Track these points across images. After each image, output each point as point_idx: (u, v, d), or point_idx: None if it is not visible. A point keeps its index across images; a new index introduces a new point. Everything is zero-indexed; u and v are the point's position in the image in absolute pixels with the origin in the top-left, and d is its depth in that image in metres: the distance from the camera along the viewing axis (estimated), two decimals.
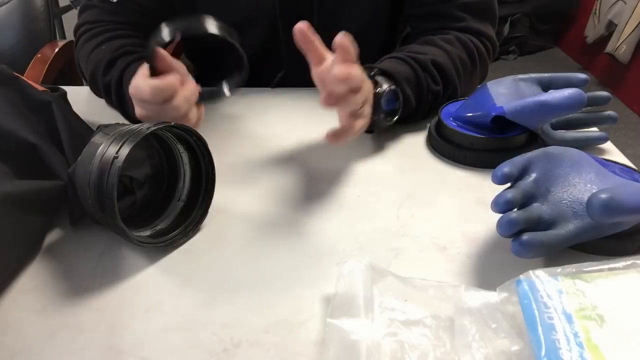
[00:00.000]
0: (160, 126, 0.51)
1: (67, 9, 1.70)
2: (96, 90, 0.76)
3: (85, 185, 0.50)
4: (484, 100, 0.66)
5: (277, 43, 0.82)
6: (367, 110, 0.62)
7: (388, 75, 0.67)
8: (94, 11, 0.79)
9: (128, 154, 0.48)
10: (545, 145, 0.58)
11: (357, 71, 0.55)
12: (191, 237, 0.55)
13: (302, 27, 0.54)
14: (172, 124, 0.52)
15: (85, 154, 0.51)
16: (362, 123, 0.61)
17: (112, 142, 0.50)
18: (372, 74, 0.65)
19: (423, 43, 0.76)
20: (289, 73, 0.85)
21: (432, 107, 0.72)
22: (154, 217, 0.57)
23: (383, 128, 0.69)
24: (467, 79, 0.76)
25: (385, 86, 0.65)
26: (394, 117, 0.68)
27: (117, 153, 0.48)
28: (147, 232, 0.55)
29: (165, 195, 0.58)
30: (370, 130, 0.66)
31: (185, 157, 0.57)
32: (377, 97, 0.64)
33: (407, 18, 0.86)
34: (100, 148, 0.50)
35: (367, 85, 0.61)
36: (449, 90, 0.73)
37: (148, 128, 0.50)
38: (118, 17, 0.78)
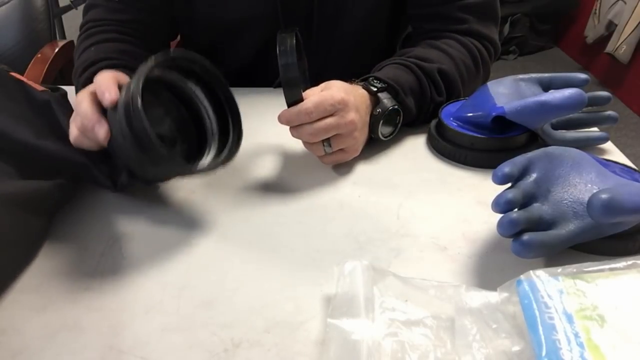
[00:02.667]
0: (160, 59, 0.51)
1: (67, 9, 1.70)
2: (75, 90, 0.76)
3: (121, 141, 0.50)
4: (484, 100, 0.66)
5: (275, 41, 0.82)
6: (354, 144, 0.63)
7: (391, 90, 0.67)
8: (99, 10, 0.80)
9: (144, 104, 0.48)
10: (546, 145, 0.58)
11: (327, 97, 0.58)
12: (234, 156, 0.57)
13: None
14: (170, 54, 0.53)
15: (112, 129, 0.52)
16: (341, 156, 0.64)
17: (124, 95, 0.50)
18: (374, 90, 0.66)
19: (427, 47, 0.75)
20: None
21: (433, 114, 0.72)
22: (198, 159, 0.58)
23: (381, 140, 0.69)
24: (470, 83, 0.76)
25: (387, 104, 0.65)
26: (393, 133, 0.69)
27: (131, 102, 0.48)
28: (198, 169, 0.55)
29: (199, 139, 0.59)
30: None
31: (199, 92, 0.58)
32: (375, 118, 0.65)
33: (409, 19, 0.85)
34: (118, 114, 0.51)
35: (351, 117, 0.61)
36: (452, 98, 0.73)
37: (149, 66, 0.51)
38: (121, 15, 0.78)
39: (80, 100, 0.56)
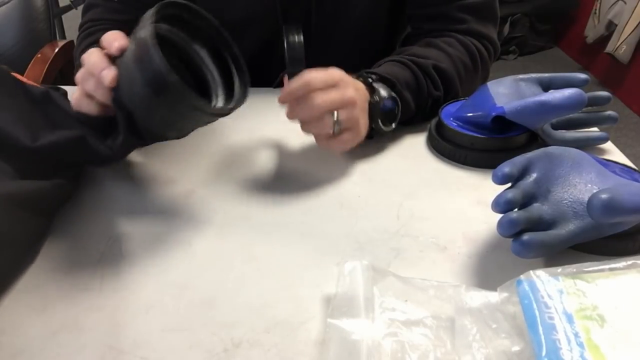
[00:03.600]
0: (160, 5, 0.51)
1: (67, 9, 1.70)
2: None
3: (131, 87, 0.50)
4: (484, 100, 0.66)
5: (279, 42, 0.82)
6: (358, 123, 0.62)
7: (387, 81, 0.67)
8: (98, 10, 0.80)
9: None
10: (546, 145, 0.58)
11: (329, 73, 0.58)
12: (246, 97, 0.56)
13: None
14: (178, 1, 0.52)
15: (121, 77, 0.52)
16: (348, 137, 0.62)
17: (134, 39, 0.50)
18: (370, 81, 0.65)
19: (425, 45, 0.75)
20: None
21: (432, 110, 0.72)
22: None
23: (383, 134, 0.69)
24: (469, 82, 0.76)
25: (383, 93, 0.65)
26: (393, 123, 0.68)
27: (142, 32, 0.48)
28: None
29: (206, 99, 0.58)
30: (370, 136, 0.66)
31: (204, 54, 0.57)
32: (373, 106, 0.65)
33: (408, 19, 0.86)
34: (127, 53, 0.50)
35: (350, 92, 0.60)
36: (450, 95, 0.73)
37: (156, 7, 0.50)
38: (120, 15, 0.79)
39: (89, 54, 0.55)
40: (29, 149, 0.56)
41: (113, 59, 0.54)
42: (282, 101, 0.60)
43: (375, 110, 0.65)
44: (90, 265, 0.51)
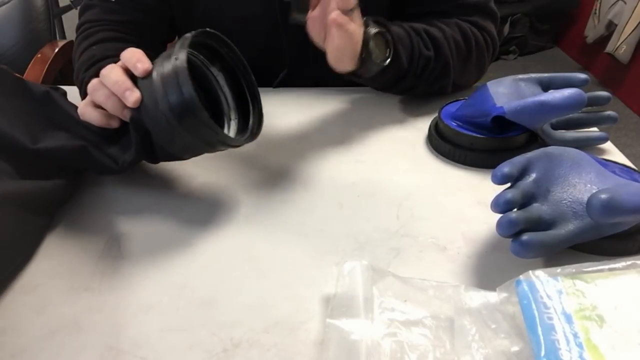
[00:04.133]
0: (194, 34, 0.53)
1: (67, 9, 1.70)
2: (79, 89, 0.76)
3: (165, 125, 0.51)
4: (484, 100, 0.66)
5: (279, 42, 0.83)
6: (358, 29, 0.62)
7: (380, 24, 0.68)
8: (95, 11, 0.80)
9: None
10: (546, 145, 0.58)
11: None
12: (262, 125, 0.59)
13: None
14: (205, 30, 0.54)
15: (144, 99, 0.53)
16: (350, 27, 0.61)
17: (162, 69, 0.51)
18: (364, 19, 0.66)
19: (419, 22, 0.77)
20: (292, 72, 0.85)
21: (423, 75, 0.73)
22: None
23: (372, 73, 0.69)
24: (461, 62, 0.76)
25: (373, 29, 0.66)
26: (385, 61, 0.69)
27: (176, 60, 0.50)
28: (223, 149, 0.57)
29: (216, 121, 0.59)
30: (357, 74, 0.67)
31: (221, 78, 0.59)
32: (366, 36, 0.65)
33: (409, 18, 0.86)
34: (154, 83, 0.51)
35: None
36: (441, 63, 0.74)
37: (185, 38, 0.52)
38: (118, 15, 0.78)
39: (109, 70, 0.55)
40: (29, 150, 0.56)
41: (132, 75, 0.55)
42: None
43: (367, 39, 0.65)
44: (90, 265, 0.51)
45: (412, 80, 0.73)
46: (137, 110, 0.53)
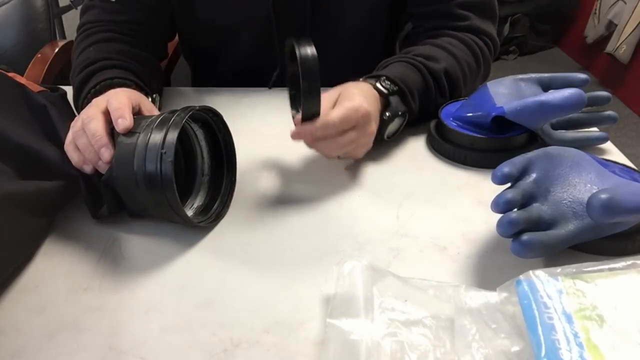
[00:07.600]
0: (190, 112, 0.53)
1: (67, 9, 1.69)
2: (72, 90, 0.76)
3: (132, 185, 0.52)
4: (484, 100, 0.66)
5: (272, 42, 0.82)
6: (367, 147, 0.63)
7: (400, 92, 0.66)
8: (95, 11, 0.80)
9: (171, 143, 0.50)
10: (546, 145, 0.58)
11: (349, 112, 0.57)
12: (229, 206, 0.58)
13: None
14: (197, 107, 0.54)
15: (121, 156, 0.53)
16: (352, 155, 0.62)
17: (149, 137, 0.51)
18: (386, 92, 0.65)
19: (431, 46, 0.75)
20: (284, 71, 0.85)
21: (431, 114, 0.72)
22: (185, 195, 0.59)
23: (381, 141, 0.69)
24: (472, 81, 0.76)
25: (396, 109, 0.65)
26: (396, 134, 0.68)
27: (163, 148, 0.50)
28: (190, 213, 0.56)
29: (187, 173, 0.60)
30: None
31: (200, 134, 0.59)
32: (384, 122, 0.64)
33: (409, 17, 0.86)
34: (138, 146, 0.52)
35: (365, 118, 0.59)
36: (453, 97, 0.73)
37: (180, 115, 0.52)
38: (118, 16, 0.78)
39: (91, 118, 0.56)
40: (31, 148, 0.56)
41: (112, 128, 0.55)
42: (300, 137, 0.58)
43: (384, 125, 0.65)
44: (90, 265, 0.51)
45: (418, 120, 0.73)
46: (110, 167, 0.54)
